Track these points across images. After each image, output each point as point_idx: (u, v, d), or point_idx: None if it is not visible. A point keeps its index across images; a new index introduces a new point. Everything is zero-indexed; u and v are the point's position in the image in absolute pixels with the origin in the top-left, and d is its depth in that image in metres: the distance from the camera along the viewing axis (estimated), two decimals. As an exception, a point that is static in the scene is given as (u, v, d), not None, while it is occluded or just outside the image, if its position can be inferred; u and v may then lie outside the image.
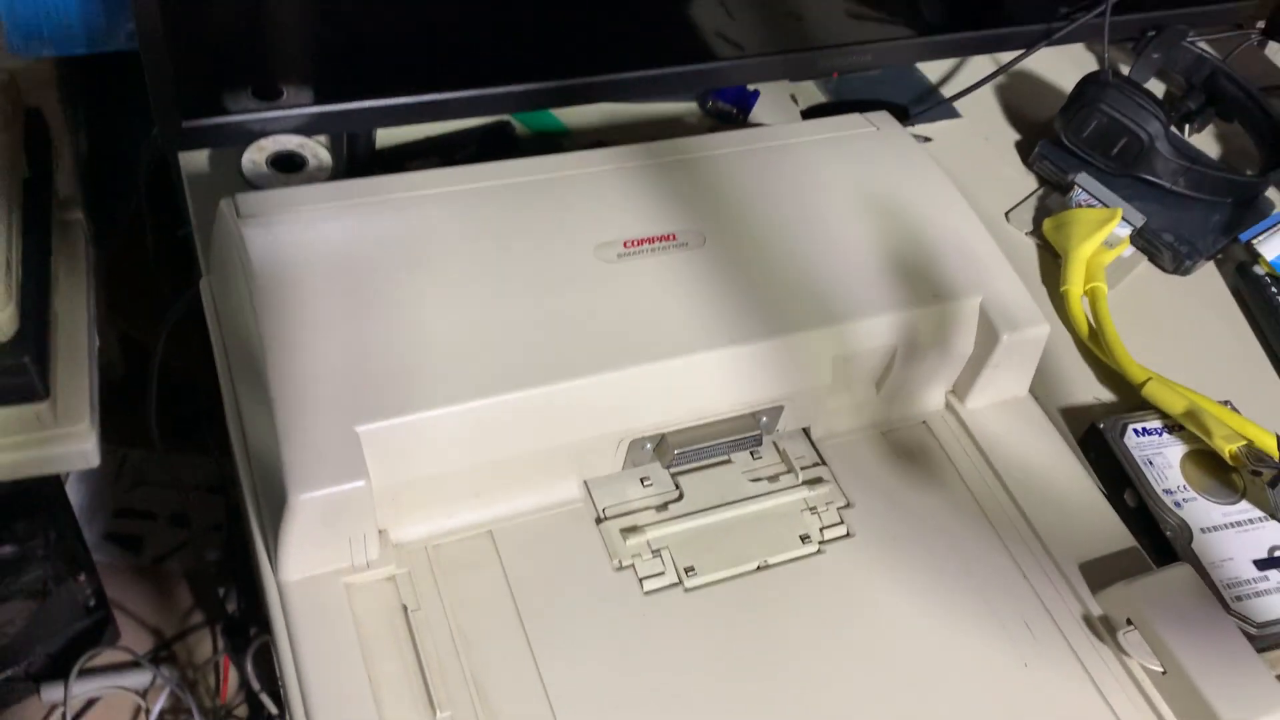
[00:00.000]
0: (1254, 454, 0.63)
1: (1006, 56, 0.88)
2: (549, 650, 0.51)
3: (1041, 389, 0.68)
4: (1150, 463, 0.64)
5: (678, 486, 0.59)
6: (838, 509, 0.59)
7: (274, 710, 0.73)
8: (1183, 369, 0.69)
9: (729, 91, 0.84)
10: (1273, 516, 0.63)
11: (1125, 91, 0.80)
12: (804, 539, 0.58)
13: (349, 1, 0.65)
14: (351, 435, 0.49)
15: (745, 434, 0.58)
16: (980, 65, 0.93)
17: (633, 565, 0.55)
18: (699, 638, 0.53)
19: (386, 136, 0.75)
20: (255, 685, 0.87)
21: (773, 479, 0.60)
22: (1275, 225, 0.80)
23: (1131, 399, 0.69)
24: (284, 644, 0.49)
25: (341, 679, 0.48)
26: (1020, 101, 0.92)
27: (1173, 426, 0.67)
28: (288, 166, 0.68)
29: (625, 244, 0.59)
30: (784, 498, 0.59)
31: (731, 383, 0.57)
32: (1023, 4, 0.87)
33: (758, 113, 0.84)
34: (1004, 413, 0.65)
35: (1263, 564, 0.61)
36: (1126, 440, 0.65)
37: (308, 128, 0.67)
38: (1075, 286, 0.75)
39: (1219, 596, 0.58)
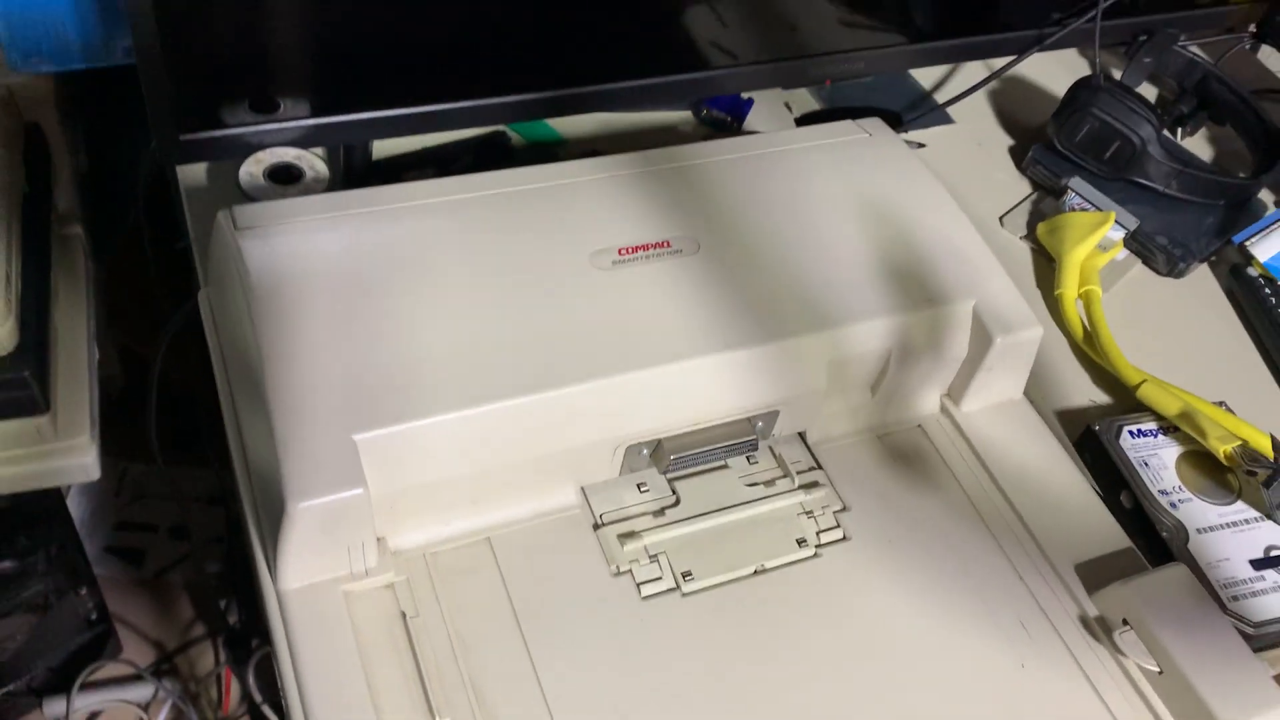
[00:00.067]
0: (1249, 454, 0.63)
1: (999, 62, 0.89)
2: (547, 656, 0.52)
3: (1037, 392, 0.68)
4: (1146, 464, 0.65)
5: (674, 492, 0.59)
6: (834, 513, 0.60)
7: (275, 721, 0.73)
8: (1177, 371, 0.70)
9: (723, 100, 0.85)
10: (1268, 516, 0.63)
11: (1117, 96, 0.81)
12: (800, 543, 0.58)
13: (345, 14, 0.65)
14: (349, 444, 0.49)
15: (741, 439, 0.59)
16: (973, 71, 0.93)
17: (630, 570, 0.56)
18: (696, 642, 0.53)
19: (383, 148, 0.75)
20: (257, 697, 0.87)
21: (769, 483, 0.61)
22: (1268, 227, 0.81)
23: (1127, 401, 0.69)
24: (283, 652, 0.50)
25: (341, 686, 0.49)
26: (1013, 107, 0.93)
27: (1168, 428, 0.67)
28: (285, 178, 0.68)
29: (620, 251, 0.59)
30: (780, 502, 0.59)
31: (727, 388, 0.57)
32: (1014, 10, 0.88)
33: (752, 121, 0.85)
34: (999, 415, 0.65)
35: (1259, 564, 0.61)
36: (1122, 442, 0.65)
37: (304, 140, 0.67)
38: (1069, 290, 0.75)
39: (1215, 597, 0.59)
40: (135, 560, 1.13)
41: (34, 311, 0.72)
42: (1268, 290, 0.78)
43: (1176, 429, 0.67)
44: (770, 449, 0.62)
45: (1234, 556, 0.61)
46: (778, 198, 0.65)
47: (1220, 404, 0.68)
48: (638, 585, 0.55)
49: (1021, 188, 0.86)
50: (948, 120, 0.90)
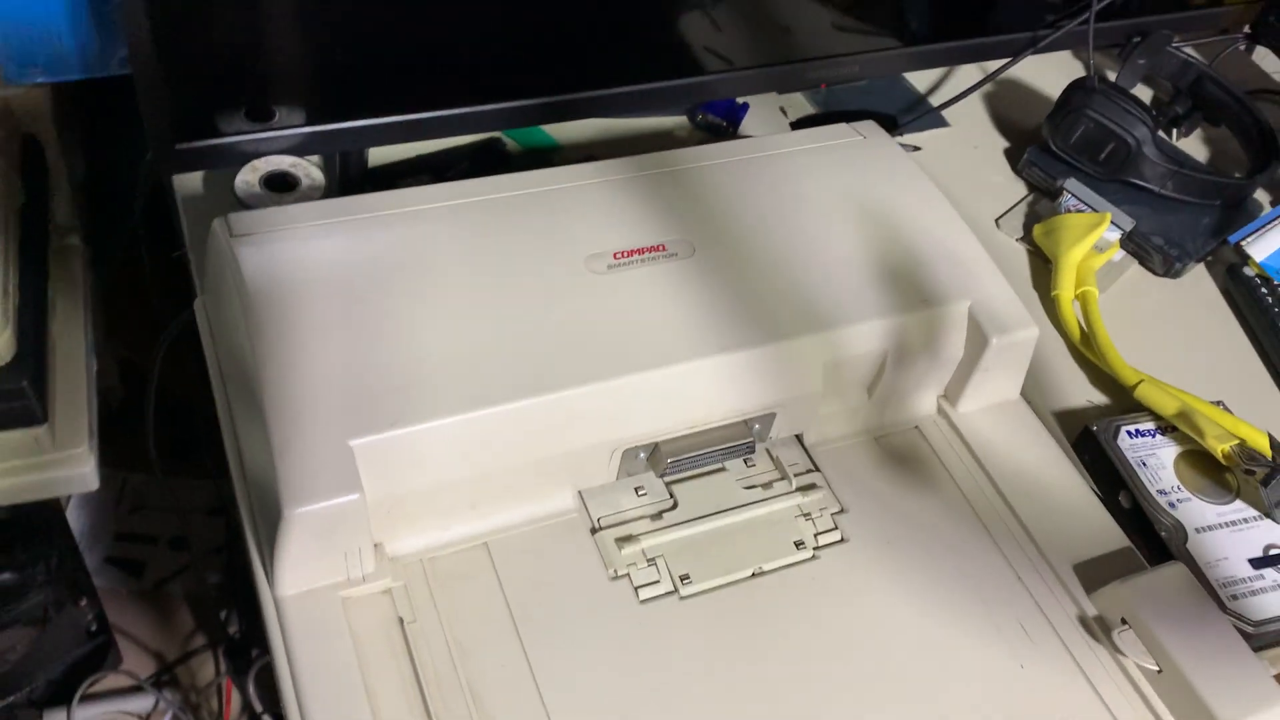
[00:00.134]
0: (1247, 453, 0.63)
1: (993, 65, 0.89)
2: (545, 660, 0.52)
3: (1035, 393, 0.68)
4: (1144, 464, 0.65)
5: (672, 495, 0.59)
6: (831, 515, 0.59)
7: (275, 730, 0.73)
8: (1175, 370, 0.70)
9: (718, 105, 0.85)
10: (1267, 515, 0.63)
11: (1111, 97, 0.81)
12: (798, 545, 0.58)
13: (340, 22, 0.66)
14: (345, 449, 0.49)
15: (738, 441, 0.59)
16: (968, 74, 0.94)
17: (628, 574, 0.55)
18: (695, 645, 0.53)
19: (379, 155, 0.76)
20: (257, 707, 0.87)
21: (766, 486, 0.61)
22: (1264, 227, 0.81)
23: (1124, 401, 0.69)
24: (281, 659, 0.50)
25: (339, 692, 0.48)
26: (1008, 109, 0.93)
27: (1166, 428, 0.67)
28: (281, 186, 0.68)
29: (615, 255, 0.60)
30: (778, 504, 0.59)
31: (723, 391, 0.57)
32: (1008, 13, 0.88)
33: (747, 125, 0.85)
34: (996, 416, 0.65)
35: (1258, 563, 0.61)
36: (1120, 442, 0.65)
37: (300, 148, 0.67)
38: (1066, 291, 0.75)
39: (1215, 596, 0.59)
40: (135, 571, 1.13)
41: (32, 322, 0.72)
42: (1264, 290, 0.78)
43: (1174, 429, 0.66)
44: (767, 451, 0.62)
45: (1233, 555, 0.61)
46: (772, 201, 0.65)
47: (1218, 403, 0.68)
48: (636, 589, 0.55)
49: (1017, 190, 0.86)
50: (943, 123, 0.90)
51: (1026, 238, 0.81)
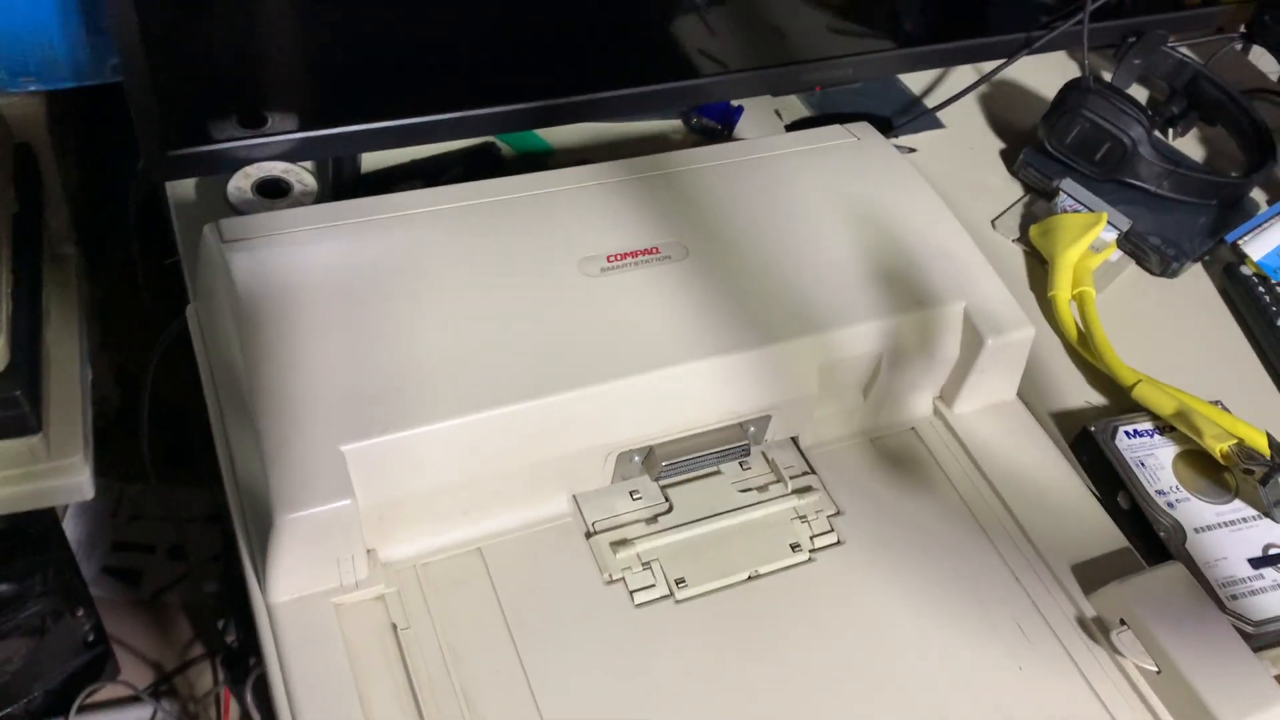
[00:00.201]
0: (1245, 452, 0.63)
1: (988, 66, 0.89)
2: (540, 665, 0.51)
3: (1032, 394, 0.68)
4: (1142, 464, 0.64)
5: (667, 499, 0.59)
6: (828, 517, 0.59)
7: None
8: (1172, 370, 0.69)
9: (713, 108, 0.85)
10: (1266, 514, 0.63)
11: (1107, 97, 0.81)
12: (794, 548, 0.58)
13: (331, 28, 0.65)
14: (337, 455, 0.49)
15: (733, 444, 0.58)
16: (963, 76, 0.94)
17: (623, 578, 0.55)
18: (691, 649, 0.53)
19: (372, 161, 0.75)
20: (255, 716, 0.86)
21: (762, 489, 0.60)
22: (1260, 225, 0.81)
23: (1122, 401, 0.69)
24: (274, 666, 0.49)
25: (332, 699, 0.48)
26: (1003, 110, 0.93)
27: (1164, 428, 0.66)
28: (273, 192, 0.68)
29: (609, 258, 0.59)
30: (774, 507, 0.59)
31: (718, 393, 0.57)
32: (1002, 13, 0.88)
33: (742, 128, 0.85)
34: (992, 417, 0.64)
35: (1257, 562, 0.61)
36: (1118, 442, 0.65)
37: (293, 154, 0.67)
38: (1063, 291, 0.75)
39: (1214, 596, 0.58)
40: (133, 581, 1.13)
41: (25, 331, 0.72)
42: (1261, 289, 0.78)
43: (1173, 429, 0.66)
44: (763, 454, 0.62)
45: (1232, 555, 0.61)
46: (766, 203, 0.64)
47: (1216, 403, 0.68)
48: (631, 593, 0.55)
49: (1013, 191, 0.86)
50: (938, 125, 0.90)
51: (1023, 238, 0.81)
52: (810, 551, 0.58)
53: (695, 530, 0.58)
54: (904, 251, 0.63)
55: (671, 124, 0.85)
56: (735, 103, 0.85)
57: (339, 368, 0.52)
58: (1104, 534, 0.60)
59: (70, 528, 1.12)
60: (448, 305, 0.56)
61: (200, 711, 1.05)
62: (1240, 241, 0.80)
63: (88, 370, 0.78)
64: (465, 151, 0.78)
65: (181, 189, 0.72)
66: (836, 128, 0.72)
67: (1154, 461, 0.65)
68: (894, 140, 0.86)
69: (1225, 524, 0.62)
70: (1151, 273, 0.81)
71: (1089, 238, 0.77)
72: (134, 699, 1.01)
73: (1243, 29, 1.01)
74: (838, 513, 0.60)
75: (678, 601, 0.55)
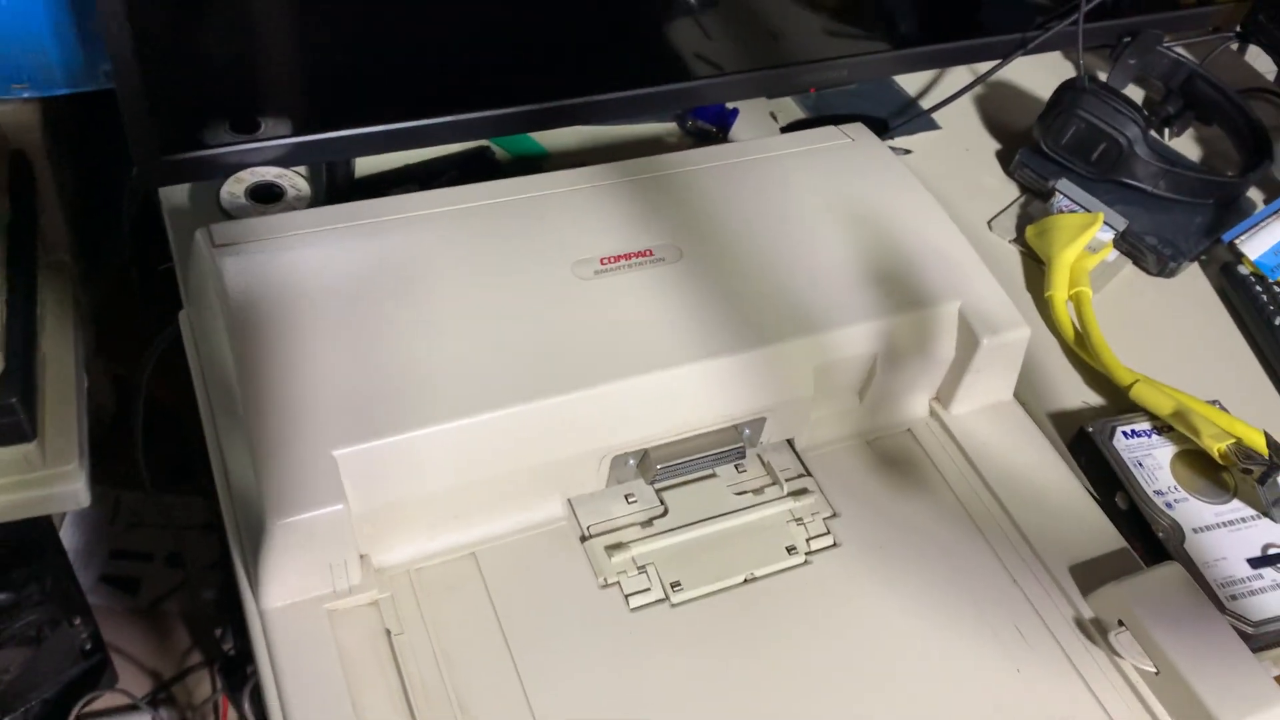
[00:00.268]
0: (1243, 452, 0.63)
1: (984, 67, 0.89)
2: (535, 671, 0.51)
3: (1029, 394, 0.68)
4: (1140, 464, 0.64)
5: (662, 502, 0.59)
6: (824, 519, 0.59)
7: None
8: (1170, 370, 0.69)
9: (708, 110, 0.84)
10: (1265, 514, 0.62)
11: (1102, 97, 0.81)
12: (790, 550, 0.57)
13: (324, 32, 0.65)
14: (329, 459, 0.49)
15: (728, 447, 0.58)
16: (958, 77, 0.93)
17: (618, 582, 0.55)
18: (686, 653, 0.53)
19: (366, 165, 0.75)
20: (253, 723, 0.86)
21: (758, 491, 0.60)
22: (1257, 224, 0.80)
23: (1120, 402, 0.69)
24: (267, 672, 0.49)
25: (325, 705, 0.48)
26: (999, 111, 0.93)
27: (1162, 428, 0.66)
28: (266, 197, 0.68)
29: (602, 261, 0.59)
30: (769, 510, 0.59)
31: (712, 396, 0.57)
32: (997, 14, 0.88)
33: (737, 131, 0.85)
34: (989, 417, 0.64)
35: (1256, 562, 0.60)
36: (1116, 443, 0.65)
37: (286, 159, 0.67)
38: (1060, 291, 0.75)
39: (1213, 596, 0.58)
40: (131, 589, 1.12)
41: (20, 339, 0.71)
42: (1259, 288, 0.77)
43: (1170, 429, 0.66)
44: (758, 456, 0.62)
45: (1231, 555, 0.60)
46: (760, 204, 0.64)
47: (1214, 402, 0.68)
48: (626, 597, 0.54)
49: (1009, 191, 0.86)
50: (934, 126, 0.90)
51: (1019, 239, 0.81)
52: (806, 554, 0.57)
53: (691, 533, 0.57)
54: (898, 252, 0.63)
55: (666, 127, 0.85)
56: (730, 105, 0.85)
57: (331, 372, 0.52)
58: (1102, 534, 0.60)
59: (68, 536, 1.12)
60: (440, 309, 0.55)
61: (198, 720, 1.05)
62: (1237, 241, 0.80)
63: (84, 377, 0.78)
64: (460, 156, 0.78)
65: (175, 194, 0.71)
66: (831, 129, 0.71)
67: (1152, 462, 0.64)
68: (890, 142, 0.86)
69: (1224, 524, 0.62)
70: (1148, 272, 0.80)
71: (1085, 238, 0.76)
72: (132, 707, 1.01)
73: (1238, 28, 1.01)
74: (834, 515, 0.59)
75: (673, 605, 0.54)
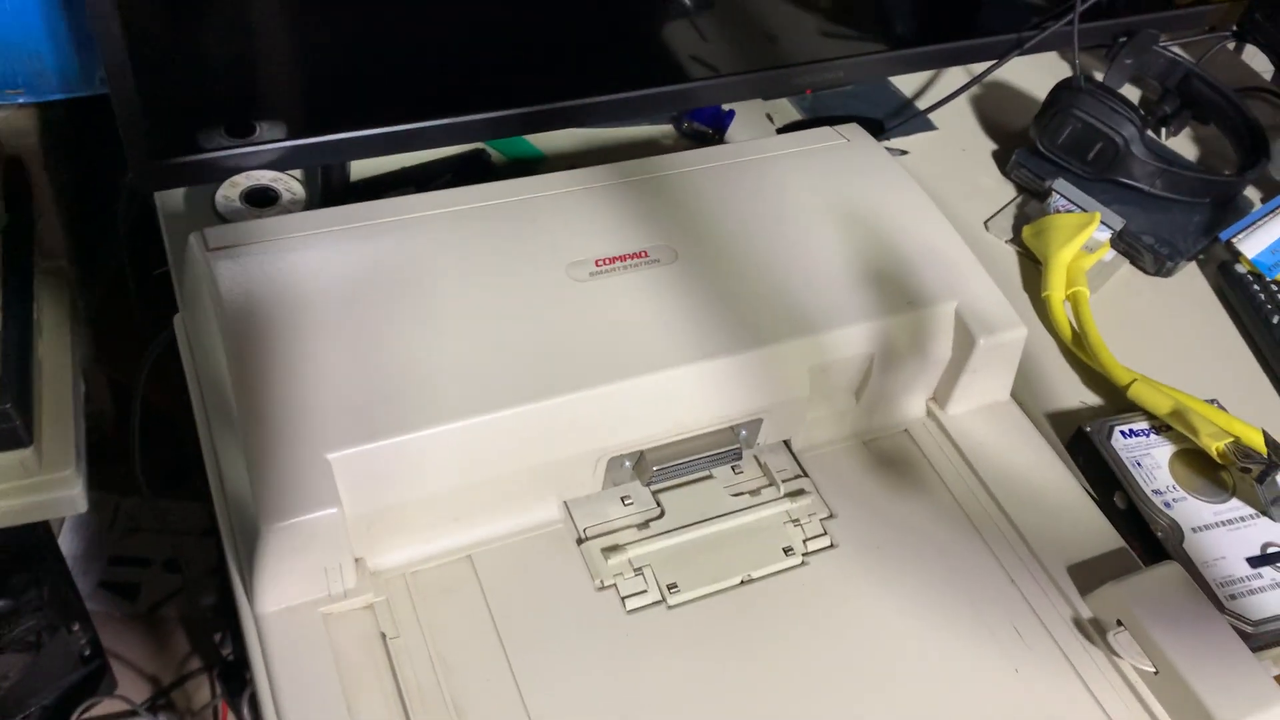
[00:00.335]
0: (1241, 451, 0.62)
1: (980, 67, 0.88)
2: (531, 674, 0.51)
3: (1027, 395, 0.68)
4: (1139, 464, 0.64)
5: (659, 504, 0.59)
6: (821, 520, 0.59)
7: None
8: (1168, 369, 0.69)
9: (704, 112, 0.84)
10: (1264, 513, 0.62)
11: (1098, 96, 0.81)
12: (787, 551, 0.57)
13: (319, 36, 0.65)
14: (323, 463, 0.49)
15: (725, 448, 0.58)
16: (954, 77, 0.93)
17: (615, 584, 0.55)
18: (683, 655, 0.52)
19: (361, 168, 0.75)
20: (251, 728, 0.86)
21: (754, 493, 0.60)
22: (1255, 223, 0.80)
23: (1118, 401, 0.69)
24: (262, 677, 0.49)
25: (320, 710, 0.48)
26: (995, 111, 0.93)
27: (1160, 427, 0.66)
28: (261, 201, 0.68)
29: (597, 263, 0.59)
30: (766, 511, 0.59)
31: (708, 397, 0.57)
32: (993, 15, 0.88)
33: (733, 132, 0.85)
34: (986, 418, 0.64)
35: (1255, 561, 0.60)
36: (1114, 442, 0.65)
37: (281, 162, 0.67)
38: (1057, 291, 0.74)
39: (1213, 596, 0.58)
40: (130, 595, 1.12)
41: (16, 345, 0.71)
42: (1256, 286, 0.77)
43: (1169, 428, 0.66)
44: (755, 457, 0.61)
45: (1230, 554, 0.60)
46: (755, 205, 0.64)
47: (1212, 401, 0.68)
48: (622, 599, 0.54)
49: (1006, 191, 0.85)
50: (930, 127, 0.90)
51: (1016, 239, 0.81)
52: (803, 555, 0.57)
53: (687, 535, 0.57)
54: (894, 252, 0.63)
55: (662, 129, 0.85)
56: (726, 107, 0.85)
57: (325, 375, 0.52)
58: (1100, 534, 0.60)
59: (67, 542, 1.12)
60: (435, 312, 0.55)
61: (197, 726, 1.05)
62: (1234, 239, 0.80)
63: (81, 383, 0.78)
64: (455, 159, 0.78)
65: (171, 199, 0.71)
66: (826, 129, 0.71)
67: (1150, 461, 0.64)
68: (886, 142, 0.85)
69: (1223, 523, 0.62)
70: (1146, 272, 0.80)
71: (1082, 238, 0.76)
72: (131, 713, 1.01)
73: (1234, 27, 1.01)
74: (831, 516, 0.59)
75: (670, 607, 0.54)
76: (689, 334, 0.57)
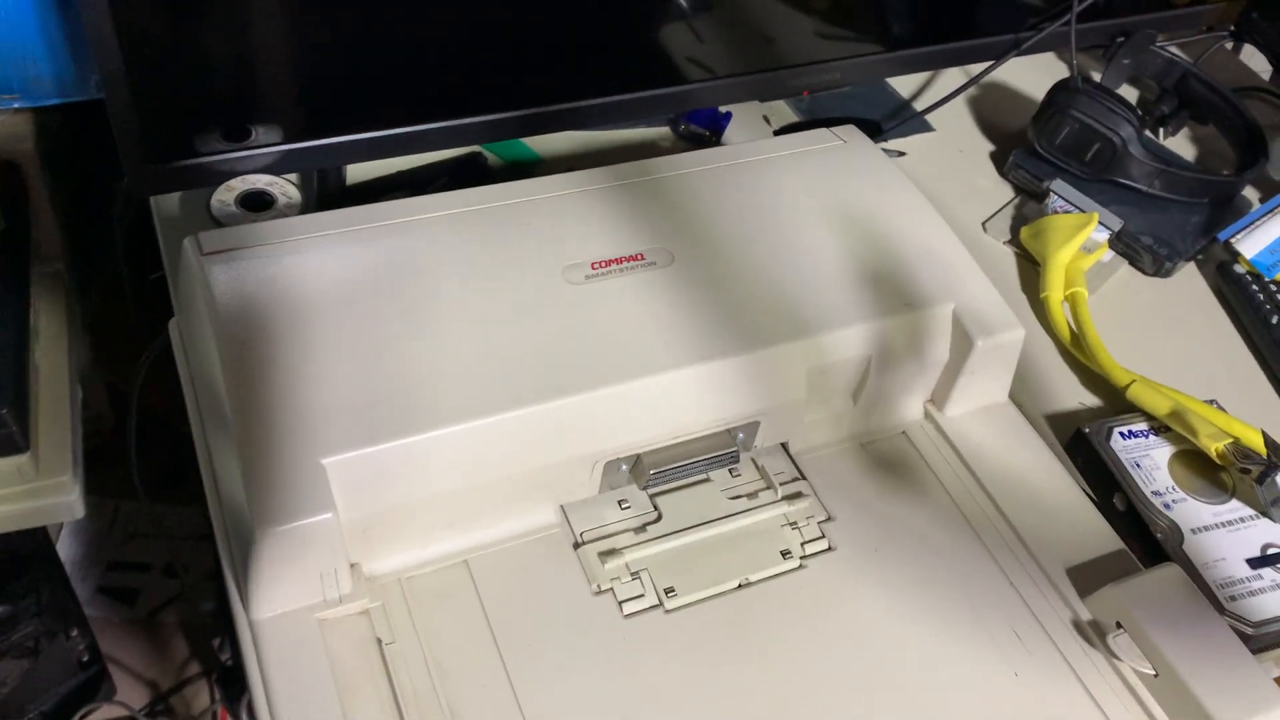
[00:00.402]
0: (1241, 451, 0.62)
1: (977, 68, 0.88)
2: (528, 679, 0.51)
3: (1026, 396, 0.68)
4: (1138, 465, 0.64)
5: (656, 507, 0.58)
6: (818, 523, 0.59)
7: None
8: (1167, 370, 0.69)
9: (701, 114, 0.84)
10: (1263, 514, 0.62)
11: (1095, 97, 0.81)
12: (785, 554, 0.57)
13: (314, 40, 0.65)
14: (318, 468, 0.49)
15: (722, 451, 0.58)
16: (952, 78, 0.93)
17: (612, 589, 0.54)
18: (681, 658, 0.52)
19: (357, 172, 0.75)
20: (250, 734, 0.85)
21: (752, 496, 0.60)
22: (1253, 223, 0.80)
23: (1117, 402, 0.68)
24: (257, 683, 0.49)
25: (316, 716, 0.47)
26: (993, 112, 0.92)
27: (1159, 428, 0.66)
28: (257, 205, 0.68)
29: (593, 265, 0.59)
30: (764, 514, 0.58)
31: (705, 400, 0.57)
32: (990, 15, 0.88)
33: (730, 134, 0.85)
34: (984, 419, 0.64)
35: (1255, 562, 0.60)
36: (1113, 443, 0.64)
37: (276, 166, 0.67)
38: (1055, 292, 0.74)
39: (1213, 597, 0.57)
40: (129, 600, 1.12)
41: (12, 350, 0.71)
42: (1255, 286, 0.77)
43: (1168, 429, 0.65)
44: (752, 460, 0.61)
45: (1230, 556, 0.60)
46: (752, 207, 0.64)
47: (1211, 402, 0.67)
48: (620, 604, 0.54)
49: (1004, 192, 0.85)
50: (928, 128, 0.90)
51: (1014, 240, 0.81)
52: (801, 558, 0.57)
53: (684, 539, 0.57)
54: (891, 254, 0.63)
55: (659, 131, 0.85)
56: (723, 109, 0.85)
57: (320, 379, 0.51)
58: (1099, 536, 0.59)
59: (65, 547, 1.12)
60: (430, 315, 0.55)
61: (196, 731, 1.05)
62: (1233, 240, 0.80)
63: (78, 388, 0.78)
64: (452, 162, 0.77)
65: (166, 203, 0.71)
66: (822, 131, 0.71)
67: (1149, 462, 0.64)
68: (883, 144, 0.85)
69: (1223, 524, 0.62)
70: (1144, 272, 0.80)
71: (1080, 238, 0.76)
72: (130, 719, 1.00)
73: (1232, 27, 1.01)
74: (829, 519, 0.59)
75: (667, 611, 0.54)
76: (685, 337, 0.56)
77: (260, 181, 0.68)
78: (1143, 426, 0.66)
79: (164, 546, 1.15)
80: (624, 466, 0.57)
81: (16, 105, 0.71)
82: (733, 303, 0.58)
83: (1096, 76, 0.92)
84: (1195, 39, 1.00)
